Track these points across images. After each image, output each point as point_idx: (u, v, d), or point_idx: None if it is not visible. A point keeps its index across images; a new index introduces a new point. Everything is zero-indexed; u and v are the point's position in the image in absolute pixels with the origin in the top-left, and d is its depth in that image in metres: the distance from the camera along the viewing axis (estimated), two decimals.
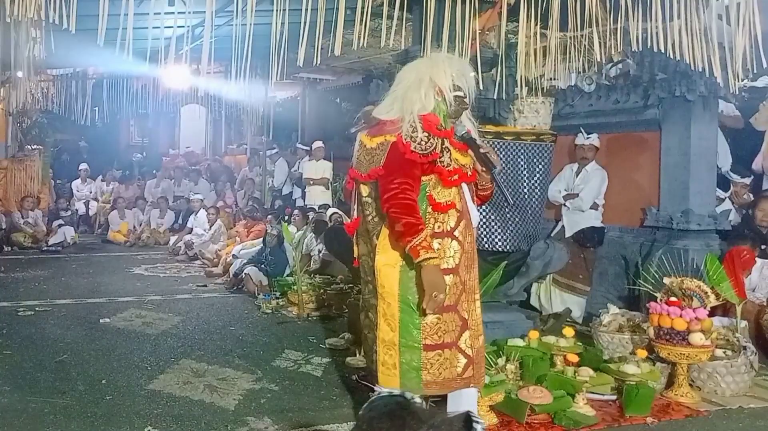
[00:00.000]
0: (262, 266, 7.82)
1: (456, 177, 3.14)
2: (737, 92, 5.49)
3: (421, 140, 3.06)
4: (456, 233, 3.15)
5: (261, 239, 8.44)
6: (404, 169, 3.05)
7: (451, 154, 3.14)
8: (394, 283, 3.11)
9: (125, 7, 3.57)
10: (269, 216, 10.15)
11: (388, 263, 3.13)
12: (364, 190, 3.23)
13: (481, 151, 3.21)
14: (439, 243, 3.11)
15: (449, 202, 3.13)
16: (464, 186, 3.24)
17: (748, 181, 6.81)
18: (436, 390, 3.18)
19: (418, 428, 1.42)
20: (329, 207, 9.72)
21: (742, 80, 4.34)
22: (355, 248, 3.39)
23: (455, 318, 3.14)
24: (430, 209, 3.11)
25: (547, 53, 4.90)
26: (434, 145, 3.07)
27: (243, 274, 7.81)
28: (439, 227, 3.13)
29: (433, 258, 2.96)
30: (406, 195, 3.02)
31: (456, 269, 3.14)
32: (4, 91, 11.13)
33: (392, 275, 3.11)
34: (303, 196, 11.60)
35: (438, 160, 3.10)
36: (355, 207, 3.34)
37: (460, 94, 3.19)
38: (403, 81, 3.24)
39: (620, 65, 6.51)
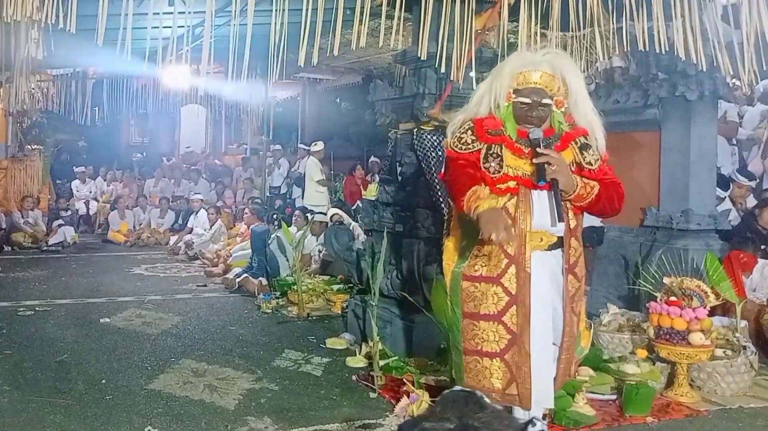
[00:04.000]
0: (252, 271, 7.84)
1: (510, 184, 3.02)
2: (748, 91, 5.48)
3: (465, 142, 3.08)
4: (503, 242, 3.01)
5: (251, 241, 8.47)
6: (450, 166, 3.14)
7: (502, 160, 3.03)
8: (448, 285, 3.20)
9: (125, 7, 3.57)
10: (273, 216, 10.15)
11: (446, 264, 3.22)
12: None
13: (534, 160, 3.01)
14: (480, 250, 3.09)
15: None
16: (537, 193, 3.05)
17: (754, 183, 6.86)
18: None
19: (476, 412, 1.49)
20: (332, 207, 9.77)
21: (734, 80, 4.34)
22: None
23: (499, 329, 3.05)
24: None
25: None
26: (476, 148, 3.05)
27: (239, 280, 7.86)
28: (481, 234, 3.02)
29: (481, 206, 2.90)
30: (463, 173, 3.04)
31: (497, 279, 3.04)
32: (4, 91, 11.11)
33: (447, 277, 3.22)
34: (302, 196, 11.62)
35: (482, 165, 3.04)
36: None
37: (525, 100, 3.05)
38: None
39: (613, 60, 6.48)
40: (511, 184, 3.02)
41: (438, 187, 5.15)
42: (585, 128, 3.14)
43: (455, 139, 3.11)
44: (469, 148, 3.07)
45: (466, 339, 3.09)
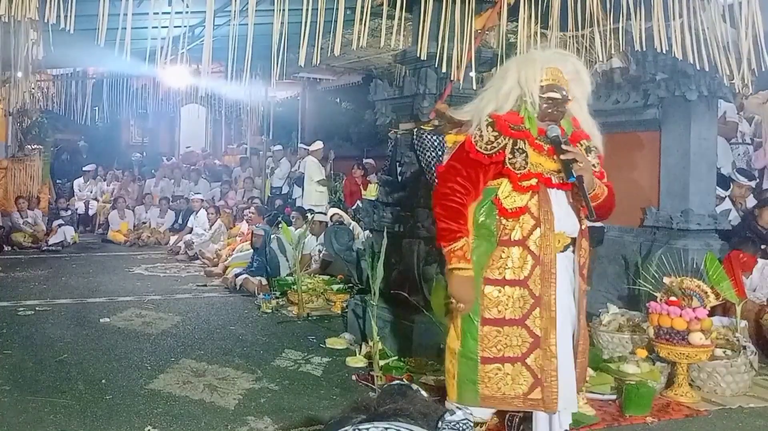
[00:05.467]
0: (251, 269, 7.84)
1: (533, 182, 2.96)
2: (746, 91, 5.48)
3: (489, 140, 2.96)
4: (528, 242, 2.97)
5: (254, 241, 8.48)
6: (464, 170, 2.98)
7: (527, 156, 2.96)
8: None
9: (125, 7, 3.57)
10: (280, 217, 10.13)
11: None
12: None
13: (562, 157, 2.96)
14: (504, 252, 2.98)
15: (519, 208, 2.97)
16: (555, 192, 3.02)
17: (754, 183, 6.86)
18: (495, 404, 3.06)
19: (406, 407, 1.49)
20: (332, 207, 9.78)
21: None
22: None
23: (522, 334, 2.98)
24: (497, 213, 3.00)
25: None
26: (501, 145, 2.96)
27: (237, 279, 7.87)
28: (506, 235, 2.98)
29: (464, 269, 2.90)
30: (455, 198, 2.95)
31: (524, 281, 2.97)
32: (4, 91, 11.12)
33: None
34: (302, 196, 11.62)
35: (507, 161, 2.95)
36: None
37: (555, 95, 2.99)
38: (492, 78, 3.16)
39: (613, 60, 6.47)
40: (533, 181, 2.97)
41: None
42: (587, 132, 3.14)
43: (477, 137, 2.99)
44: (493, 147, 2.96)
45: (487, 347, 2.99)
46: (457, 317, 3.06)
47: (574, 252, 3.08)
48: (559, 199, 3.03)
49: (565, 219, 3.03)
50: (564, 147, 2.97)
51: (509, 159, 2.96)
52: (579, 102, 3.12)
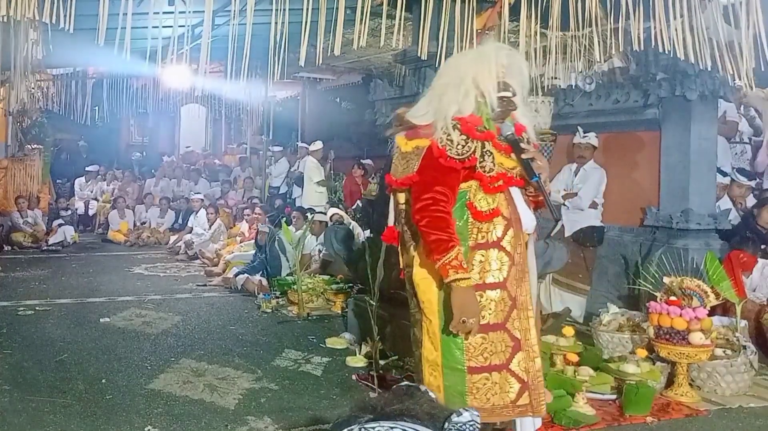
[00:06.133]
0: (253, 265, 7.85)
1: (500, 183, 2.87)
2: (749, 89, 5.47)
3: (458, 144, 2.83)
4: (504, 243, 2.89)
5: (253, 241, 8.49)
6: (440, 177, 2.83)
7: (494, 157, 2.87)
8: (434, 298, 2.89)
9: (125, 6, 3.57)
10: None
11: (426, 276, 2.91)
12: (401, 197, 3.01)
13: (523, 156, 2.88)
14: (482, 256, 2.88)
15: (492, 210, 2.88)
16: (514, 190, 2.96)
17: (753, 183, 6.87)
18: (485, 417, 2.89)
19: (412, 408, 1.51)
20: (332, 207, 9.78)
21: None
22: (400, 258, 3.14)
23: (505, 338, 2.88)
24: (471, 218, 2.89)
25: (548, 53, 4.90)
26: (472, 149, 2.84)
27: (237, 279, 7.88)
28: (482, 238, 2.88)
29: (464, 279, 2.74)
30: (438, 207, 2.79)
31: (504, 283, 2.89)
32: (4, 91, 11.13)
33: (432, 289, 2.90)
34: (302, 196, 11.62)
35: (478, 165, 2.85)
36: (392, 215, 3.12)
37: (507, 94, 2.91)
38: (442, 78, 3.01)
39: (611, 60, 6.47)
40: (501, 182, 2.90)
41: None
42: (524, 125, 3.05)
43: (446, 142, 2.85)
44: (465, 151, 2.85)
45: (473, 356, 2.88)
46: (430, 326, 2.93)
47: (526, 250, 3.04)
48: (518, 197, 2.99)
49: (525, 216, 2.99)
50: (523, 146, 2.91)
51: (480, 163, 2.87)
52: (522, 96, 3.03)
